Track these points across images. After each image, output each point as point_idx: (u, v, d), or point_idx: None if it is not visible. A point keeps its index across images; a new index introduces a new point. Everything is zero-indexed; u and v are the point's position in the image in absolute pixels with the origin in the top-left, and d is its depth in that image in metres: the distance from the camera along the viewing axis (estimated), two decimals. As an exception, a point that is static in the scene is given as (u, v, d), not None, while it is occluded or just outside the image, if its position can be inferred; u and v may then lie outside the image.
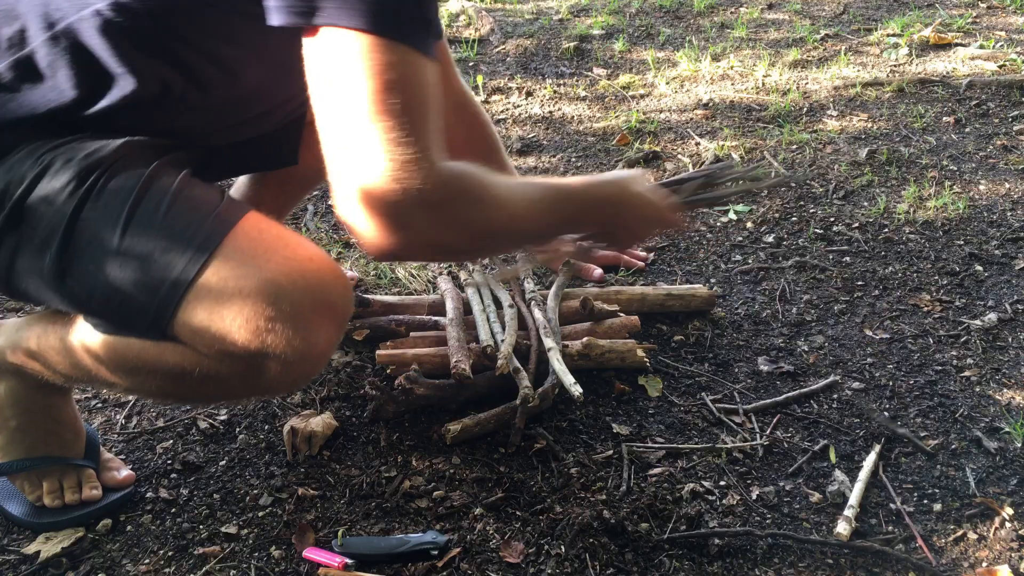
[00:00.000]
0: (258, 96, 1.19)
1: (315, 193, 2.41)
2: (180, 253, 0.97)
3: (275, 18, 0.92)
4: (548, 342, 1.53)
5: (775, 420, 1.52)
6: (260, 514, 1.30)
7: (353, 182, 0.92)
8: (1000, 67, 3.18)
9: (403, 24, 0.90)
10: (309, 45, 0.92)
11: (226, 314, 0.96)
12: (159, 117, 1.10)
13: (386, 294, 1.82)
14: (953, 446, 1.45)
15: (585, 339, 1.59)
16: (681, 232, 1.33)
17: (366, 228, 0.94)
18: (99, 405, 1.55)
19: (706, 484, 1.37)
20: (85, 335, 1.09)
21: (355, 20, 0.88)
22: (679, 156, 2.58)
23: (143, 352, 1.05)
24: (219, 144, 1.23)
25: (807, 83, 3.14)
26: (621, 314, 1.70)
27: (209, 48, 1.06)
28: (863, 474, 1.36)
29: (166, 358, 1.04)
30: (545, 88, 3.18)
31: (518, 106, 3.04)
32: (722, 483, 1.37)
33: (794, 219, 2.23)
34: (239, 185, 1.65)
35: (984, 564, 1.22)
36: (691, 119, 2.86)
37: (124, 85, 1.03)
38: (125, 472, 1.36)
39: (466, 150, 1.35)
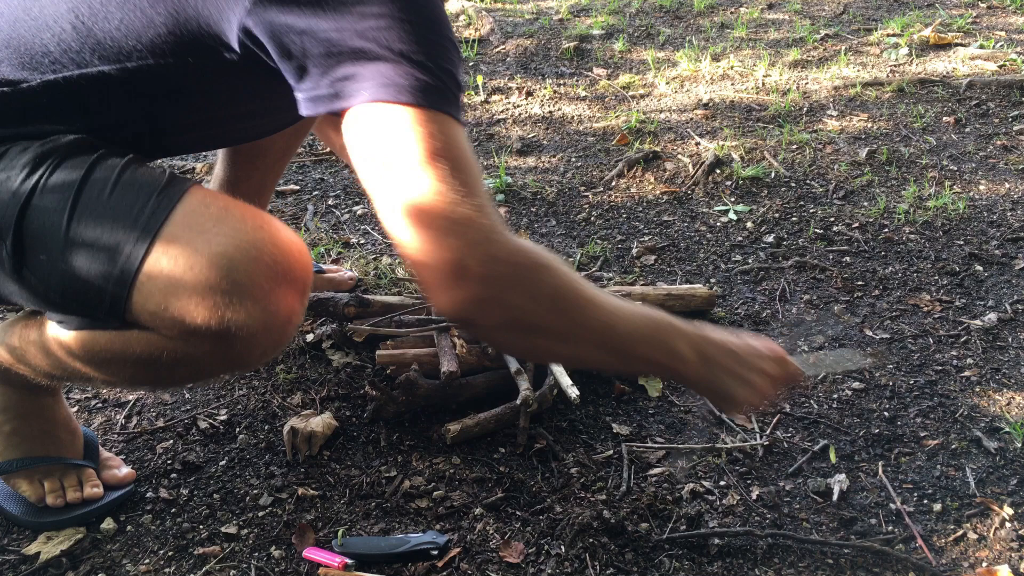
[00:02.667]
0: (238, 129, 1.21)
1: (315, 193, 2.41)
2: (126, 237, 0.96)
3: (307, 109, 0.94)
4: (548, 342, 1.53)
5: (775, 420, 1.52)
6: (260, 514, 1.30)
7: (428, 240, 0.89)
8: (1000, 67, 3.18)
9: (442, 96, 0.92)
10: (352, 125, 0.92)
11: (181, 293, 0.95)
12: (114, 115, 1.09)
13: (386, 294, 1.82)
14: (953, 446, 1.45)
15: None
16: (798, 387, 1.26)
17: (444, 283, 0.90)
18: (99, 405, 1.55)
19: (706, 484, 1.37)
20: (57, 332, 1.08)
21: (399, 95, 0.89)
22: (679, 156, 2.58)
23: (110, 344, 1.05)
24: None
25: (807, 83, 3.15)
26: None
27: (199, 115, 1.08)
28: None
29: (133, 346, 1.03)
30: (545, 88, 3.18)
31: (518, 106, 3.04)
32: (722, 483, 1.37)
33: (794, 219, 2.23)
34: (216, 166, 1.66)
35: (984, 564, 1.22)
36: (691, 119, 2.86)
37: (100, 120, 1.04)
38: (125, 470, 1.36)
39: None
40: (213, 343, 0.99)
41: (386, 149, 0.91)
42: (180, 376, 1.17)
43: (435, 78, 0.91)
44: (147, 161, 1.09)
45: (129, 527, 1.28)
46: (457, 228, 0.89)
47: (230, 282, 0.94)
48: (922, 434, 1.48)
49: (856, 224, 2.19)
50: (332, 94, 0.91)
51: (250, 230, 0.98)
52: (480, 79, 3.24)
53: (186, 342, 1.00)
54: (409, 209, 0.90)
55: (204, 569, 1.20)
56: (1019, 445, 1.44)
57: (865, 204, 2.29)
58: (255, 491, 1.35)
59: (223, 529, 1.27)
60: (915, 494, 1.35)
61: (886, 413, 1.53)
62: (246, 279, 0.95)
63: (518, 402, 1.43)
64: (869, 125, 2.78)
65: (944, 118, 2.81)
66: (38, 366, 1.15)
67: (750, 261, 2.04)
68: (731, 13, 4.05)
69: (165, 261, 0.95)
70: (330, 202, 2.37)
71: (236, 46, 0.95)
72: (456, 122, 0.93)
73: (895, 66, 3.28)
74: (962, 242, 2.09)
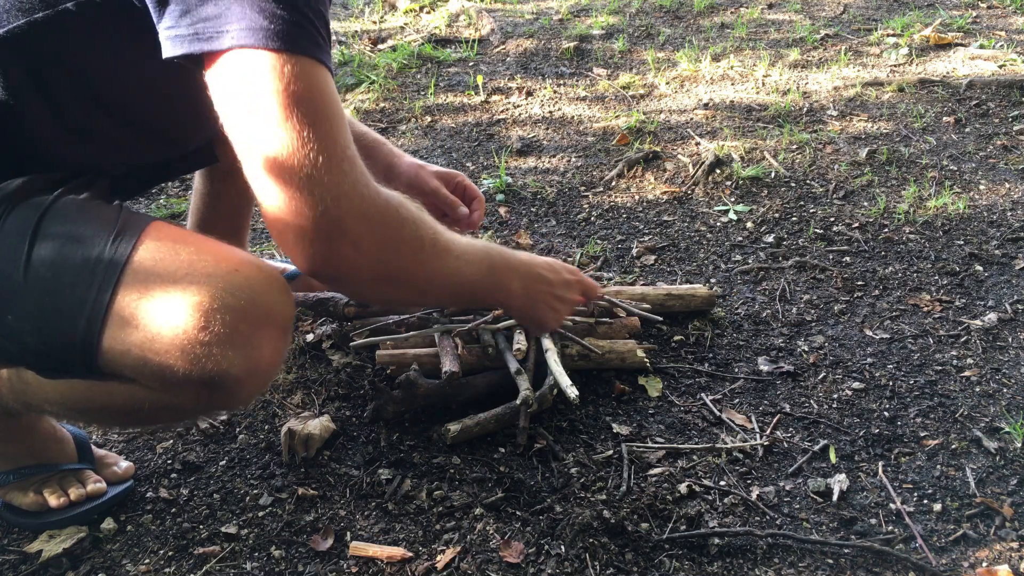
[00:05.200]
0: (160, 132, 1.14)
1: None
2: (85, 292, 0.91)
3: (169, 50, 0.88)
4: (546, 343, 1.53)
5: (775, 420, 1.52)
6: (260, 514, 1.30)
7: (283, 196, 0.88)
8: (1000, 67, 3.18)
9: (305, 39, 0.88)
10: (214, 72, 0.88)
11: (158, 347, 0.91)
12: (46, 146, 1.04)
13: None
14: (953, 446, 1.45)
15: (585, 339, 1.59)
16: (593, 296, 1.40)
17: (301, 240, 0.90)
18: (99, 405, 1.55)
19: (706, 484, 1.37)
20: (36, 377, 1.04)
21: (263, 40, 0.85)
22: (679, 156, 2.58)
23: (90, 393, 1.02)
24: (132, 166, 1.19)
25: (807, 83, 3.14)
26: (621, 314, 1.70)
27: (85, 82, 1.00)
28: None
29: (115, 397, 1.01)
30: (545, 88, 3.18)
31: (518, 106, 3.04)
32: (722, 483, 1.37)
33: (794, 219, 2.23)
34: (195, 179, 1.62)
35: (984, 564, 1.22)
36: (691, 119, 2.86)
37: None
38: (124, 464, 1.36)
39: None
40: (196, 392, 0.96)
41: (245, 100, 0.87)
42: (164, 420, 1.16)
43: (299, 15, 0.87)
44: (108, 198, 1.04)
45: (129, 527, 1.28)
46: (318, 187, 0.87)
47: (209, 333, 0.91)
48: (922, 434, 1.48)
49: (856, 224, 2.19)
50: (192, 34, 0.86)
51: (224, 274, 0.93)
52: (480, 79, 3.24)
53: (167, 392, 0.97)
54: (268, 166, 0.88)
55: (204, 569, 1.20)
56: (1019, 445, 1.44)
57: (865, 204, 2.28)
58: (255, 491, 1.35)
59: (223, 529, 1.27)
60: (915, 494, 1.35)
61: (886, 413, 1.53)
62: (226, 328, 0.91)
63: (518, 402, 1.42)
64: (869, 125, 2.78)
65: (944, 118, 2.81)
66: (12, 404, 1.12)
67: (750, 261, 2.04)
68: (731, 13, 4.05)
69: (135, 312, 0.91)
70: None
71: None
72: (321, 65, 0.89)
73: (895, 66, 3.28)
74: (962, 242, 2.09)
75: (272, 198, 0.89)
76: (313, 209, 0.88)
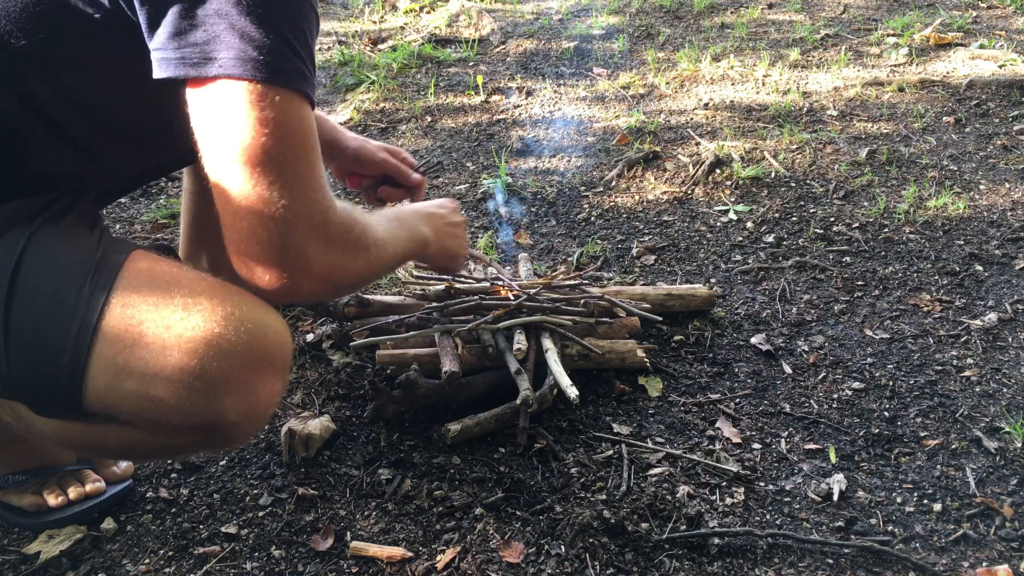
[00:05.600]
0: (151, 140, 1.13)
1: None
2: (64, 332, 0.88)
3: (160, 71, 0.88)
4: (546, 343, 1.53)
5: (775, 420, 1.52)
6: (260, 514, 1.30)
7: (247, 225, 0.88)
8: (1000, 67, 3.18)
9: (290, 70, 0.88)
10: (196, 96, 0.88)
11: (153, 394, 0.89)
12: (36, 158, 1.01)
13: (386, 294, 1.82)
14: (953, 446, 1.45)
15: (585, 339, 1.59)
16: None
17: (265, 266, 0.90)
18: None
19: (706, 484, 1.37)
20: (27, 411, 1.02)
21: (246, 70, 0.86)
22: (679, 156, 2.58)
23: (86, 434, 1.00)
24: (115, 178, 1.17)
25: (807, 83, 3.14)
26: (621, 314, 1.70)
27: (71, 95, 0.99)
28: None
29: (111, 439, 1.00)
30: (545, 88, 3.18)
31: (518, 106, 3.04)
32: (722, 483, 1.37)
33: (794, 219, 2.23)
34: (184, 178, 1.60)
35: (984, 564, 1.22)
36: (691, 119, 2.86)
37: None
38: (124, 464, 1.36)
39: None
40: (194, 435, 0.94)
41: (225, 128, 0.87)
42: (164, 457, 1.15)
43: (285, 46, 0.87)
44: (97, 208, 1.02)
45: (129, 527, 1.28)
46: (284, 221, 0.88)
47: (205, 381, 0.88)
48: (922, 434, 1.48)
49: (856, 224, 2.19)
50: (180, 58, 0.87)
51: (219, 318, 0.90)
52: (480, 79, 3.23)
53: (165, 436, 0.95)
54: (236, 196, 0.88)
55: (204, 569, 1.20)
56: (1019, 445, 1.44)
57: (865, 204, 2.28)
58: (255, 491, 1.35)
59: (223, 529, 1.27)
60: (915, 494, 1.35)
61: (886, 413, 1.53)
62: (221, 375, 0.89)
63: (518, 402, 1.42)
64: (869, 125, 2.78)
65: (944, 118, 2.81)
66: (16, 429, 1.10)
67: (750, 261, 2.04)
68: (731, 13, 4.05)
69: (128, 359, 0.88)
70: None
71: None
72: (301, 97, 0.90)
73: (895, 66, 3.28)
74: (962, 242, 2.09)
75: (237, 224, 0.89)
76: (277, 242, 0.89)
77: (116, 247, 0.97)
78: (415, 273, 1.80)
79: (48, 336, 0.89)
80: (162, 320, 0.89)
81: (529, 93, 3.15)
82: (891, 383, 1.61)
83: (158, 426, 0.92)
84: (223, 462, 1.41)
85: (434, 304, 1.64)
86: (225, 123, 0.87)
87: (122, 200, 2.40)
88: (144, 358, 0.88)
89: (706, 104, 2.98)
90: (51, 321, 0.89)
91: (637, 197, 2.38)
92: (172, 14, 0.86)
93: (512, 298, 1.63)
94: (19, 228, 0.94)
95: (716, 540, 1.25)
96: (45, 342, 0.89)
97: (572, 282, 1.74)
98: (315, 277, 0.93)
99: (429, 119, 2.96)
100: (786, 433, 1.49)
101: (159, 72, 0.88)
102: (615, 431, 1.48)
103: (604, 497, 1.32)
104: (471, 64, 3.48)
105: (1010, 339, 1.73)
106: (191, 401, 0.89)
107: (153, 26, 0.88)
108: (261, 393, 0.94)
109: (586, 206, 2.33)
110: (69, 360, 0.88)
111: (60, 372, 0.89)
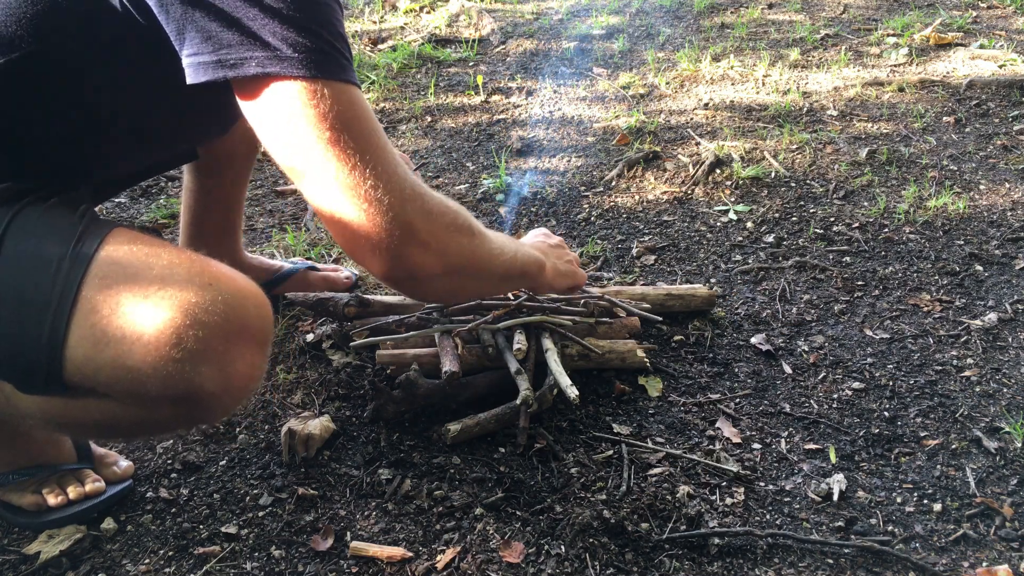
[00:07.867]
0: (157, 137, 1.13)
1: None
2: (44, 304, 0.89)
3: (193, 76, 0.89)
4: (546, 343, 1.53)
5: (775, 420, 1.52)
6: (260, 514, 1.30)
7: (349, 214, 0.92)
8: (1000, 67, 3.18)
9: (332, 60, 0.90)
10: (251, 104, 0.90)
11: (131, 364, 0.89)
12: (40, 152, 1.02)
13: (386, 294, 1.82)
14: (953, 446, 1.45)
15: (585, 339, 1.59)
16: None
17: (375, 250, 0.94)
18: (99, 405, 1.55)
19: (706, 484, 1.37)
20: (11, 388, 1.03)
21: (285, 67, 0.87)
22: (679, 156, 2.58)
23: (67, 409, 1.01)
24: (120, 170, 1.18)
25: (807, 83, 3.14)
26: (621, 314, 1.70)
27: (87, 94, 1.00)
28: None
29: (91, 412, 1.00)
30: (545, 88, 3.18)
31: (518, 106, 3.04)
32: (722, 483, 1.37)
33: (794, 219, 2.23)
34: (185, 176, 1.61)
35: (984, 564, 1.22)
36: (691, 119, 2.86)
37: None
38: (124, 464, 1.36)
39: None
40: (172, 408, 0.94)
41: (287, 133, 0.89)
42: (144, 434, 1.16)
43: (321, 41, 0.88)
44: (97, 198, 1.04)
45: (129, 527, 1.28)
46: (383, 198, 0.92)
47: (181, 350, 0.88)
48: (922, 434, 1.48)
49: (856, 224, 2.19)
50: (216, 61, 0.87)
51: (197, 288, 0.91)
52: (480, 79, 3.23)
53: (143, 408, 0.96)
54: (329, 190, 0.91)
55: (204, 569, 1.20)
56: (1019, 445, 1.44)
57: (865, 204, 2.28)
58: (255, 491, 1.35)
59: (223, 529, 1.27)
60: (915, 494, 1.35)
61: (886, 413, 1.53)
62: (199, 344, 0.89)
63: (518, 402, 1.42)
64: (869, 125, 2.78)
65: (944, 118, 2.81)
66: (3, 412, 1.11)
67: (750, 261, 2.04)
68: (731, 13, 4.05)
69: (105, 329, 0.89)
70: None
71: (116, 3, 0.91)
72: (350, 85, 0.91)
73: (895, 66, 3.28)
74: (962, 242, 2.09)
75: (338, 218, 0.93)
76: (383, 219, 0.93)
77: (98, 223, 0.97)
78: None
79: (28, 308, 0.90)
80: (140, 290, 0.90)
81: (529, 93, 3.15)
82: (891, 383, 1.61)
83: (136, 397, 0.92)
84: (223, 462, 1.41)
85: (434, 304, 1.64)
86: (288, 124, 0.90)
87: (122, 200, 2.40)
88: (121, 327, 0.88)
89: (706, 104, 2.98)
90: (31, 293, 0.90)
91: (637, 197, 2.38)
92: (199, 18, 0.87)
93: (512, 298, 1.63)
94: (3, 208, 0.95)
95: (716, 540, 1.25)
96: (25, 314, 0.90)
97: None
98: (423, 245, 0.97)
99: (429, 119, 2.96)
100: (786, 433, 1.49)
101: (195, 77, 0.89)
102: (615, 431, 1.48)
103: (604, 497, 1.32)
104: (471, 64, 3.49)
105: (1010, 339, 1.73)
106: (168, 370, 0.89)
107: (181, 32, 0.89)
108: (239, 364, 0.94)
109: (586, 206, 2.33)
110: (49, 331, 0.89)
111: (40, 344, 0.90)
